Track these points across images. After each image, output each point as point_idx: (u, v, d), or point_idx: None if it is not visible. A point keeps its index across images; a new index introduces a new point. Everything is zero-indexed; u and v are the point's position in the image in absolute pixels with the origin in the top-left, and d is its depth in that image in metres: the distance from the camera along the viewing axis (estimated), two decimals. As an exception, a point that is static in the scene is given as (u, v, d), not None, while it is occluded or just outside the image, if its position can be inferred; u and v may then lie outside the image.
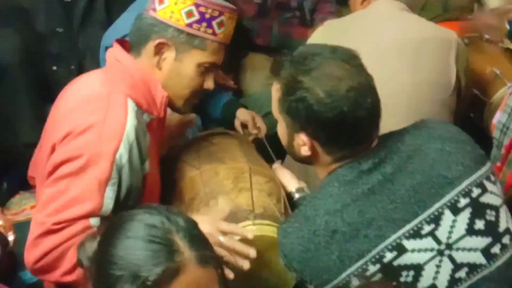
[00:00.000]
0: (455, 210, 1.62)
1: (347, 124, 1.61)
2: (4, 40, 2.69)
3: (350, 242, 1.57)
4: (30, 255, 1.72)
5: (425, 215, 1.61)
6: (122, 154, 1.75)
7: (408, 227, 1.59)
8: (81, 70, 2.73)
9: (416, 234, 1.60)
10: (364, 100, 1.62)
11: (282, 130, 1.75)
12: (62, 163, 1.74)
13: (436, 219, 1.61)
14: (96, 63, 1.92)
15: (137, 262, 1.28)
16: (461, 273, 1.60)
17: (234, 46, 2.97)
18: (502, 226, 1.66)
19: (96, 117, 1.76)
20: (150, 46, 1.85)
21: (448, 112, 2.37)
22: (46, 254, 1.69)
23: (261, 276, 1.95)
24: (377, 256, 1.57)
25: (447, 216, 1.62)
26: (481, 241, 1.62)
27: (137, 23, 1.89)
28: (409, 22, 2.34)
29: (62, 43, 2.81)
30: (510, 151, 2.18)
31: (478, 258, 1.61)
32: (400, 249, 1.58)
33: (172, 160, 2.18)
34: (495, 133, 2.26)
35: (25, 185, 2.21)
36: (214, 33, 1.86)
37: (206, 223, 1.70)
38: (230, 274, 1.76)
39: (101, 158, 1.72)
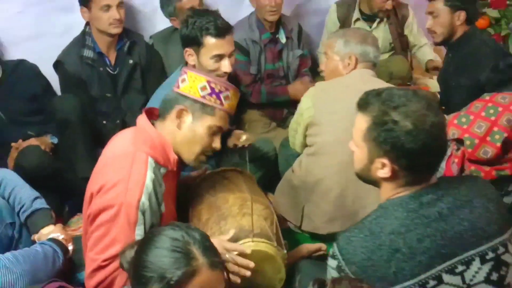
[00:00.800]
0: (483, 260, 1.52)
1: (427, 154, 1.49)
2: (68, 102, 2.69)
3: (406, 262, 1.45)
4: (89, 285, 1.76)
5: (462, 257, 1.50)
6: (144, 201, 1.72)
7: (449, 263, 1.49)
8: (124, 124, 2.76)
9: (452, 270, 1.49)
10: (442, 135, 1.53)
11: (361, 155, 1.58)
12: (100, 212, 1.73)
13: (468, 263, 1.51)
14: (135, 119, 1.90)
15: (163, 266, 1.29)
16: None
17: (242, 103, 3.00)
18: (507, 280, 1.57)
19: (122, 173, 1.74)
20: (174, 112, 1.83)
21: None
22: (100, 283, 1.73)
23: (256, 280, 1.91)
24: (423, 281, 1.46)
25: (476, 263, 1.51)
26: None
27: (166, 97, 1.89)
28: (380, 85, 2.30)
29: (110, 104, 2.83)
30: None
31: None
32: (440, 280, 1.48)
33: (195, 188, 2.16)
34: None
35: (81, 208, 2.16)
36: (221, 104, 1.84)
37: (216, 243, 1.67)
38: (237, 280, 1.77)
39: (129, 207, 1.71)
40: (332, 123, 2.24)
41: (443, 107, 2.95)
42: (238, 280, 1.78)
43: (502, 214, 1.58)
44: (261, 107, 3.33)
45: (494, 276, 1.52)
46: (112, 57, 2.89)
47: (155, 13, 3.14)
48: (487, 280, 1.51)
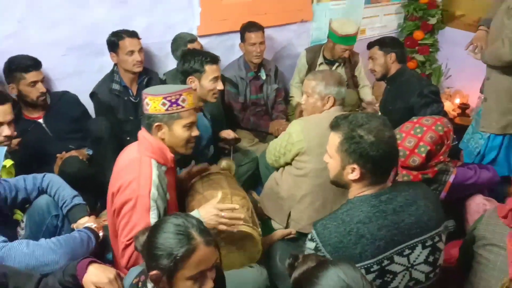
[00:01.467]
0: (424, 246, 1.55)
1: (386, 160, 1.51)
2: (101, 123, 2.69)
3: (369, 246, 1.46)
4: (122, 262, 1.77)
5: (409, 243, 1.52)
6: (154, 192, 1.74)
7: (399, 247, 1.50)
8: None
9: (401, 253, 1.51)
10: (395, 145, 1.56)
11: (335, 164, 1.58)
12: (122, 205, 1.75)
13: (412, 248, 1.53)
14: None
15: (170, 246, 1.29)
16: (411, 283, 1.54)
17: (231, 127, 3.02)
18: (439, 263, 1.61)
19: (134, 174, 1.76)
20: (154, 129, 1.82)
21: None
22: (129, 258, 1.74)
23: (239, 254, 1.93)
24: (380, 260, 1.48)
25: (419, 248, 1.54)
26: (428, 268, 1.56)
27: (144, 119, 1.87)
28: None
29: (132, 125, 2.82)
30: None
31: (422, 277, 1.56)
32: (392, 260, 1.49)
33: (189, 189, 2.15)
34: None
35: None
36: (182, 107, 1.81)
37: (210, 207, 1.76)
38: (234, 229, 1.79)
39: (143, 198, 1.72)
40: (320, 154, 2.13)
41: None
42: (235, 229, 1.79)
43: (438, 212, 1.60)
44: (248, 129, 3.35)
45: (431, 259, 1.55)
46: (134, 89, 2.90)
47: (168, 56, 3.15)
48: (425, 261, 1.54)
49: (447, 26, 4.23)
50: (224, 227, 1.76)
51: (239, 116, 3.33)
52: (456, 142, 2.42)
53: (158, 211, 1.76)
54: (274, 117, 3.45)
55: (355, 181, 1.55)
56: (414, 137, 2.08)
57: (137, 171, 1.76)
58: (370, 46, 3.02)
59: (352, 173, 1.53)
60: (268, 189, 2.49)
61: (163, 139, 1.84)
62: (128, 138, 2.79)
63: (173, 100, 1.79)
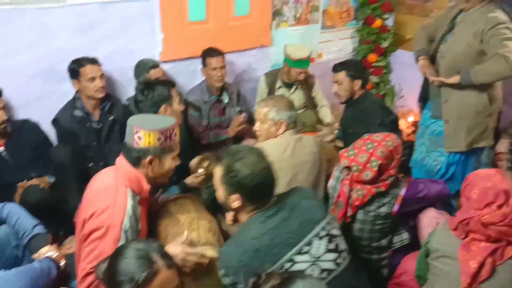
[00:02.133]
0: (320, 238, 1.62)
1: (261, 188, 1.63)
2: (62, 150, 2.63)
3: (266, 255, 1.54)
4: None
5: (304, 241, 1.60)
6: (126, 223, 1.70)
7: (296, 248, 1.58)
8: (106, 166, 2.62)
9: (300, 252, 1.58)
10: (269, 176, 1.65)
11: (221, 194, 1.69)
12: (92, 232, 1.70)
13: (310, 243, 1.60)
14: (114, 162, 1.88)
15: (131, 271, 1.28)
16: (323, 275, 1.58)
17: (195, 145, 3.00)
18: (341, 247, 1.66)
19: (108, 202, 1.71)
20: (145, 161, 1.79)
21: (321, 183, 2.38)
22: (89, 286, 1.67)
23: (209, 279, 1.87)
24: (281, 265, 1.55)
25: (316, 241, 1.61)
26: (333, 255, 1.61)
27: (130, 151, 1.80)
28: (307, 143, 2.30)
29: (95, 151, 2.78)
30: (338, 200, 2.21)
31: (331, 265, 1.60)
32: (293, 261, 1.56)
33: (157, 213, 2.10)
34: (330, 192, 2.29)
35: (73, 231, 2.10)
36: (173, 140, 1.83)
37: (178, 248, 1.70)
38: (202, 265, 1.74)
39: (114, 228, 1.68)
40: (280, 179, 2.20)
41: (343, 144, 3.06)
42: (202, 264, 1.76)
43: (320, 206, 1.73)
44: (210, 145, 3.30)
45: (331, 246, 1.63)
46: (96, 115, 2.85)
47: (130, 82, 3.13)
48: (328, 250, 1.62)
49: (398, 48, 4.37)
50: (189, 270, 1.74)
51: (201, 136, 3.31)
52: (405, 157, 2.48)
53: None
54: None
55: (240, 208, 1.66)
56: (366, 152, 2.12)
57: (112, 199, 1.72)
58: (336, 69, 3.00)
59: (235, 202, 1.64)
60: None
61: (149, 172, 1.82)
62: (91, 165, 2.74)
63: (168, 134, 1.79)
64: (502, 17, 2.43)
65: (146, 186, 1.83)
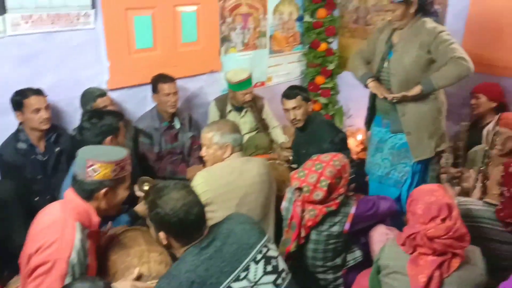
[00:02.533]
0: (256, 262, 1.61)
1: (185, 224, 1.58)
2: (6, 185, 2.51)
3: (202, 287, 1.50)
4: None
5: (241, 267, 1.57)
6: (73, 257, 1.63)
7: (233, 275, 1.55)
8: (53, 199, 2.53)
9: (237, 279, 1.56)
10: (192, 211, 1.59)
11: (152, 231, 1.68)
12: (37, 267, 1.61)
13: (246, 269, 1.58)
14: (62, 195, 1.81)
15: None
16: None
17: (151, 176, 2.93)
18: (280, 267, 1.66)
19: (56, 236, 1.64)
20: (100, 194, 1.74)
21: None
22: None
23: None
24: None
25: (252, 266, 1.59)
26: (272, 277, 1.61)
27: (82, 184, 1.74)
28: (254, 165, 2.32)
29: (41, 184, 2.66)
30: (291, 221, 2.21)
31: (271, 287, 1.59)
32: None
33: (104, 248, 2.01)
34: (283, 213, 2.29)
35: (18, 270, 1.97)
36: (127, 170, 1.80)
37: (128, 285, 1.66)
38: None
39: (61, 262, 1.60)
40: (226, 201, 2.19)
41: (296, 165, 3.08)
42: None
43: (255, 229, 1.70)
44: (164, 177, 3.25)
45: (269, 268, 1.62)
46: (41, 146, 2.74)
47: (77, 111, 3.03)
48: (265, 273, 1.60)
49: (344, 70, 4.50)
50: None
51: (155, 166, 3.27)
52: (354, 176, 2.53)
53: (74, 278, 1.63)
54: (191, 163, 3.42)
55: (169, 245, 1.65)
56: (315, 173, 2.15)
57: (60, 232, 1.65)
58: (290, 96, 2.95)
59: (163, 239, 1.63)
60: None
61: (102, 204, 1.77)
62: (37, 199, 2.62)
63: (122, 165, 1.77)
64: (439, 26, 2.63)
65: (96, 219, 1.77)
